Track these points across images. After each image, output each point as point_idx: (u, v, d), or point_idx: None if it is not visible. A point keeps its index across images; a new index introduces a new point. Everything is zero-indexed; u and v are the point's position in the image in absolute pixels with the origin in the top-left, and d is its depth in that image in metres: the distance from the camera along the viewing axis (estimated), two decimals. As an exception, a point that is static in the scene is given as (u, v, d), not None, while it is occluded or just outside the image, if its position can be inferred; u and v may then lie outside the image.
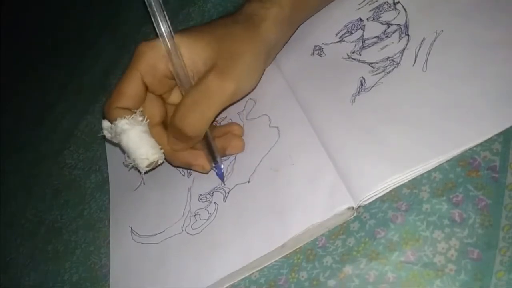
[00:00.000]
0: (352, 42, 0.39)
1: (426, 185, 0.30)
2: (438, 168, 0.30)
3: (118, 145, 0.36)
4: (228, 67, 0.34)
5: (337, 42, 0.39)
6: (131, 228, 0.40)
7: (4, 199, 0.55)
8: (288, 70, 0.40)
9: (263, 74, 0.39)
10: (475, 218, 0.27)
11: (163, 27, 0.34)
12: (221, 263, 0.34)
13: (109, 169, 0.46)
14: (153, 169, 0.37)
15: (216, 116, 0.36)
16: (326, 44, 0.40)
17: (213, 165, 0.37)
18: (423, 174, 0.30)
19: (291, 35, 0.41)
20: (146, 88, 0.35)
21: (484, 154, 0.29)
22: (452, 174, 0.29)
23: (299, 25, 0.41)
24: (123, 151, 0.36)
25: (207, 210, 0.37)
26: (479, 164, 0.29)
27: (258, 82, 0.38)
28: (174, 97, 0.38)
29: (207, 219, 0.37)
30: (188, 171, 0.40)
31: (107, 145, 0.48)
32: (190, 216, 0.38)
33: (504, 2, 0.33)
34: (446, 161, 0.30)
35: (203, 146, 0.37)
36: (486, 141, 0.29)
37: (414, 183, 0.30)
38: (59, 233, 0.46)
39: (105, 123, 0.36)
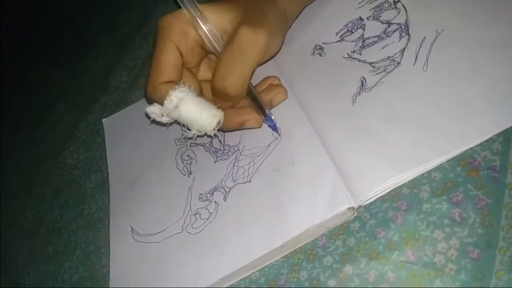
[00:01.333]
0: (353, 41, 0.39)
1: (426, 184, 0.30)
2: (438, 168, 0.30)
3: (172, 123, 0.35)
4: (257, 21, 0.34)
5: (338, 41, 0.39)
6: (131, 227, 0.40)
7: (4, 199, 0.55)
8: (288, 69, 0.40)
9: (284, 39, 0.39)
10: (475, 217, 0.27)
11: None
12: (221, 263, 0.34)
13: (109, 169, 0.46)
14: (214, 135, 0.36)
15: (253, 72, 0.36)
16: (327, 43, 0.40)
17: (264, 118, 0.37)
18: (423, 174, 0.30)
19: (300, 12, 0.41)
20: (183, 58, 0.35)
21: (484, 153, 0.29)
22: (452, 173, 0.29)
23: (307, 5, 0.42)
24: (181, 124, 0.35)
25: (208, 209, 0.37)
26: (479, 163, 0.29)
27: (282, 44, 0.39)
28: (202, 72, 0.38)
29: (208, 218, 0.37)
30: (188, 170, 0.40)
31: (107, 145, 0.48)
32: (190, 215, 0.38)
33: (505, 1, 0.33)
34: (446, 161, 0.30)
35: (250, 102, 0.37)
36: (486, 141, 0.29)
37: (414, 183, 0.30)
38: (59, 233, 0.46)
39: (151, 108, 0.35)
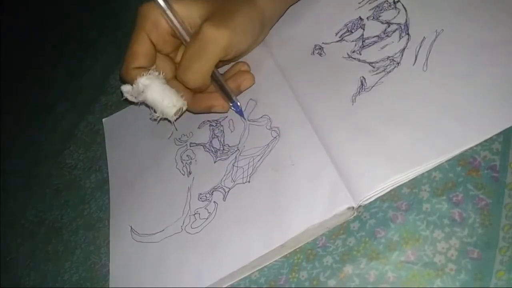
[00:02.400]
0: (352, 41, 0.39)
1: (426, 184, 0.30)
2: (438, 168, 0.30)
3: (142, 104, 0.39)
4: (223, 19, 0.36)
5: (337, 41, 0.39)
6: (131, 227, 0.40)
7: (4, 199, 0.55)
8: (288, 70, 0.40)
9: (257, 41, 0.41)
10: (475, 217, 0.27)
11: None
12: (221, 263, 0.34)
13: (109, 169, 0.46)
14: (179, 116, 0.40)
15: (217, 66, 0.38)
16: (326, 43, 0.40)
17: (230, 104, 0.39)
18: (423, 173, 0.30)
19: (285, 11, 0.42)
20: (154, 47, 0.38)
21: (484, 153, 0.29)
22: (452, 173, 0.29)
23: (291, 5, 0.42)
24: (149, 107, 0.39)
25: (207, 209, 0.37)
26: (479, 163, 0.29)
27: (251, 46, 0.41)
28: (180, 57, 0.40)
29: (207, 218, 0.37)
30: (188, 169, 0.40)
31: (107, 145, 0.48)
32: (189, 215, 0.38)
33: (505, 1, 0.33)
34: (446, 161, 0.30)
35: (217, 89, 0.39)
36: (486, 141, 0.29)
37: (414, 183, 0.30)
38: (59, 233, 0.46)
39: (125, 87, 0.38)
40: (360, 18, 0.39)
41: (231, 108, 0.40)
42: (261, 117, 0.39)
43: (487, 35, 0.33)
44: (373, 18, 0.39)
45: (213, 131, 0.41)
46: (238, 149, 0.39)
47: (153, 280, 0.36)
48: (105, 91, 0.54)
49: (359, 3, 0.40)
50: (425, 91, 0.33)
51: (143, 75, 0.37)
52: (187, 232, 0.37)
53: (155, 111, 0.38)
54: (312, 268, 0.31)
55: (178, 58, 0.40)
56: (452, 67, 0.33)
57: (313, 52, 0.40)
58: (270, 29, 0.42)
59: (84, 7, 0.68)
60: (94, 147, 0.51)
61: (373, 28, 0.38)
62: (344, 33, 0.39)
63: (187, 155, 0.41)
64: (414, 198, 0.30)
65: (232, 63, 0.42)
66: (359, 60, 0.37)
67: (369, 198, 0.31)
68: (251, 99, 0.40)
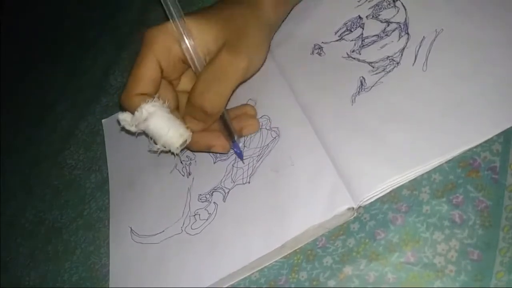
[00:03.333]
0: (352, 40, 0.38)
1: (426, 186, 0.30)
2: (438, 169, 0.30)
3: (141, 134, 0.36)
4: (238, 43, 0.35)
5: (337, 40, 0.39)
6: (130, 228, 0.40)
7: (4, 199, 0.55)
8: (288, 69, 0.40)
9: (268, 51, 0.39)
10: (475, 219, 0.27)
11: (174, 10, 0.34)
12: (221, 263, 0.34)
13: (109, 169, 0.46)
14: (181, 151, 0.37)
15: (232, 93, 0.36)
16: (326, 42, 0.40)
17: (231, 144, 0.37)
18: (423, 175, 0.30)
19: (287, 15, 0.42)
20: (162, 72, 0.36)
21: (484, 154, 0.29)
22: (452, 175, 0.29)
23: (295, 6, 0.42)
24: (149, 137, 0.35)
25: (207, 210, 0.37)
26: (479, 164, 0.29)
27: (265, 58, 0.39)
28: (183, 84, 0.38)
29: (207, 219, 0.37)
30: (188, 170, 0.40)
31: (107, 146, 0.48)
32: (189, 216, 0.38)
33: (505, 1, 0.33)
34: (446, 162, 0.30)
35: (221, 126, 0.37)
36: (486, 142, 0.29)
37: (414, 185, 0.30)
38: (59, 233, 0.46)
39: (123, 115, 0.35)
40: (360, 17, 0.39)
41: (231, 148, 0.38)
42: (260, 117, 0.39)
43: (487, 35, 0.33)
44: (373, 17, 0.39)
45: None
46: (237, 149, 0.39)
47: (153, 280, 0.36)
48: (105, 91, 0.54)
49: (358, 1, 0.40)
50: (425, 91, 0.33)
51: (147, 101, 0.34)
52: (187, 233, 0.37)
53: (155, 142, 0.35)
54: (312, 268, 0.31)
55: (181, 86, 0.38)
56: (452, 67, 0.33)
57: (313, 51, 0.40)
58: (274, 35, 0.41)
59: (84, 7, 0.68)
60: (94, 147, 0.51)
61: (372, 27, 0.38)
62: (344, 32, 0.39)
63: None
64: (414, 199, 0.29)
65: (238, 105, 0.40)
66: (358, 60, 0.37)
67: (369, 199, 0.31)
68: (250, 99, 0.40)
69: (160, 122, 0.34)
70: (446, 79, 0.32)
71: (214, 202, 0.37)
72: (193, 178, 0.40)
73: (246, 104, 0.40)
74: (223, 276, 0.33)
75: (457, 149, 0.29)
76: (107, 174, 0.46)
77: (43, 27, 0.72)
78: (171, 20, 0.34)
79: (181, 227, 0.37)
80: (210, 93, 0.34)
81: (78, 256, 0.43)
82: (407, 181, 0.30)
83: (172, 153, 0.36)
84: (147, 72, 0.35)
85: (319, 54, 0.39)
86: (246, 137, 0.39)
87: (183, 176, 0.40)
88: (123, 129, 0.36)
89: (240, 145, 0.38)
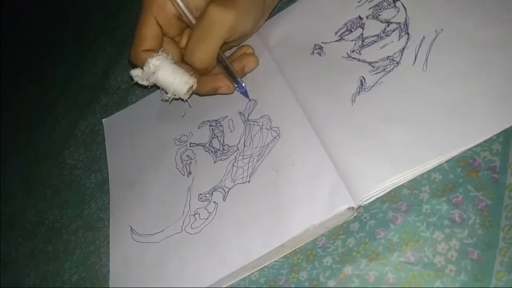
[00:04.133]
0: (352, 40, 0.38)
1: (426, 185, 0.30)
2: (438, 169, 0.30)
3: (152, 85, 0.40)
4: (227, 0, 0.36)
5: (337, 40, 0.39)
6: (131, 227, 0.40)
7: (4, 199, 0.55)
8: (288, 69, 0.40)
9: (258, 25, 0.42)
10: (475, 218, 0.27)
11: None
12: (221, 263, 0.34)
13: (109, 169, 0.46)
14: (190, 96, 0.40)
15: (221, 47, 0.38)
16: (326, 43, 0.40)
17: (235, 85, 0.40)
18: (423, 175, 0.30)
19: None
20: (161, 29, 0.39)
21: (484, 154, 0.29)
22: (452, 174, 0.29)
23: None
24: (160, 88, 0.40)
25: (207, 210, 0.37)
26: (479, 164, 0.29)
27: (253, 29, 0.42)
28: (185, 41, 0.40)
29: (207, 219, 0.37)
30: (188, 170, 0.40)
31: (107, 145, 0.48)
32: (189, 216, 0.38)
33: (504, 1, 0.33)
34: (446, 162, 0.30)
35: (223, 70, 0.40)
36: (486, 141, 0.29)
37: (414, 184, 0.30)
38: (59, 233, 0.46)
39: (134, 71, 0.40)
40: (360, 17, 0.39)
41: (236, 89, 0.40)
42: (261, 117, 0.39)
43: (487, 35, 0.33)
44: (373, 17, 0.39)
45: (213, 131, 0.41)
46: (238, 149, 0.39)
47: (153, 280, 0.36)
48: (105, 91, 0.54)
49: (359, 1, 0.40)
50: (425, 91, 0.33)
51: (153, 56, 0.38)
52: (187, 232, 0.37)
53: (166, 92, 0.39)
54: (312, 268, 0.31)
55: (183, 43, 0.41)
56: (452, 66, 0.33)
57: (313, 52, 0.40)
58: (269, 14, 0.43)
59: (83, 7, 0.68)
60: (94, 147, 0.51)
61: (372, 27, 0.38)
62: (344, 32, 0.39)
63: (187, 155, 0.41)
64: (414, 199, 0.29)
65: (236, 47, 0.43)
66: (358, 60, 0.37)
67: (369, 199, 0.31)
68: (250, 98, 0.40)
69: (166, 73, 0.38)
70: (446, 79, 0.32)
71: (214, 202, 0.37)
72: (193, 178, 0.40)
73: (242, 45, 0.42)
74: (223, 276, 0.33)
75: (457, 148, 0.29)
76: (107, 174, 0.46)
77: (43, 27, 0.72)
78: None
79: (181, 226, 0.37)
80: (197, 51, 0.37)
81: (78, 256, 0.43)
82: (407, 180, 0.30)
83: (182, 100, 0.40)
84: (148, 30, 0.38)
85: (319, 54, 0.39)
86: (246, 136, 0.39)
87: (183, 175, 0.40)
88: (136, 83, 0.40)
89: (239, 145, 0.39)
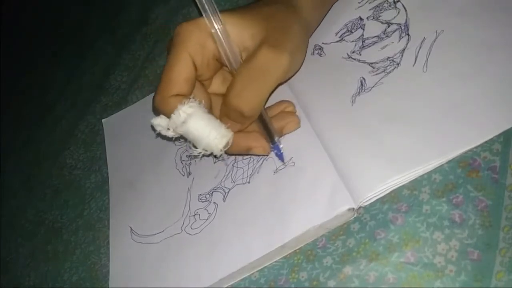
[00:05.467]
0: (352, 41, 0.38)
1: (426, 186, 0.30)
2: (438, 170, 0.30)
3: (178, 138, 0.34)
4: (280, 40, 0.32)
5: (337, 41, 0.39)
6: (130, 228, 0.40)
7: (4, 199, 0.55)
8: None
9: (306, 53, 0.37)
10: (475, 219, 0.27)
11: (207, 3, 0.32)
12: (221, 263, 0.34)
13: (109, 169, 0.46)
14: (220, 156, 0.34)
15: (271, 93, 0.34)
16: (326, 43, 0.40)
17: (272, 146, 0.35)
18: (423, 175, 0.30)
19: (324, 17, 0.40)
20: (196, 71, 0.33)
21: (484, 154, 0.29)
22: (452, 175, 0.29)
23: (331, 7, 0.40)
24: (187, 140, 0.33)
25: (207, 210, 0.37)
26: (479, 164, 0.29)
27: (304, 60, 0.37)
28: (214, 85, 0.36)
29: (207, 219, 0.37)
30: (188, 170, 0.40)
31: (107, 145, 0.48)
32: (189, 216, 0.38)
33: (505, 2, 0.33)
34: (446, 162, 0.30)
35: (260, 126, 0.35)
36: (486, 142, 0.29)
37: (414, 185, 0.30)
38: (59, 233, 0.46)
39: (157, 120, 0.33)
40: (360, 18, 0.39)
41: (272, 150, 0.35)
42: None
43: (487, 36, 0.33)
44: (373, 18, 0.39)
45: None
46: (238, 149, 0.39)
47: (153, 280, 0.36)
48: (105, 91, 0.54)
49: (359, 2, 0.40)
50: (425, 92, 0.33)
51: (184, 103, 0.32)
52: (187, 233, 0.37)
53: (195, 146, 0.33)
54: (312, 268, 0.31)
55: (212, 87, 0.36)
56: (452, 67, 0.33)
57: (313, 52, 0.40)
58: (311, 36, 0.39)
59: (84, 7, 0.68)
60: (94, 147, 0.51)
61: (373, 28, 0.38)
62: (344, 33, 0.39)
63: (187, 156, 0.41)
64: (414, 200, 0.30)
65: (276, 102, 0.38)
66: (359, 61, 0.37)
67: (369, 199, 0.31)
68: None
69: (200, 123, 0.32)
70: (446, 80, 0.32)
71: (214, 202, 0.37)
72: (193, 178, 0.40)
73: (283, 101, 0.37)
74: (223, 276, 0.33)
75: (457, 149, 0.29)
76: (107, 174, 0.46)
77: (43, 27, 0.72)
78: (203, 14, 0.32)
79: (181, 227, 0.37)
80: (247, 94, 0.32)
81: (78, 256, 0.43)
82: (407, 181, 0.30)
83: (214, 156, 0.34)
84: (181, 71, 0.32)
85: (320, 54, 0.39)
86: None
87: (183, 176, 0.40)
88: (159, 134, 0.34)
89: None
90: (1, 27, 0.77)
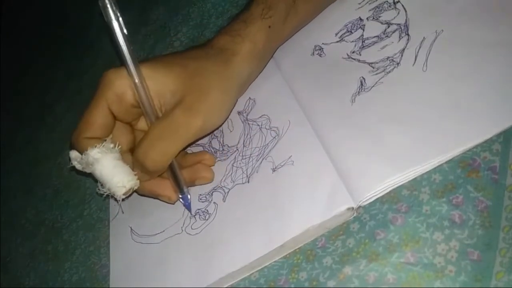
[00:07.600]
0: (352, 41, 0.38)
1: (426, 186, 0.30)
2: (438, 170, 0.30)
3: (90, 175, 0.35)
4: (196, 103, 0.33)
5: (337, 42, 0.39)
6: (131, 228, 0.40)
7: (4, 199, 0.55)
8: (288, 70, 0.40)
9: (233, 108, 0.38)
10: (475, 219, 0.27)
11: (128, 58, 0.33)
12: (221, 263, 0.34)
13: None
14: (129, 196, 0.36)
15: (182, 150, 0.35)
16: (326, 44, 0.40)
17: (180, 196, 0.37)
18: (423, 175, 0.30)
19: (266, 64, 0.40)
20: (114, 117, 0.35)
21: (484, 154, 0.29)
22: (452, 175, 0.29)
23: (274, 52, 0.40)
24: (96, 180, 0.35)
25: (207, 210, 0.37)
26: (479, 164, 0.29)
27: (228, 117, 0.38)
28: (143, 123, 0.37)
29: (207, 219, 0.37)
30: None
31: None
32: (189, 216, 0.38)
33: (505, 2, 0.33)
34: (446, 162, 0.30)
35: (169, 176, 0.36)
36: (486, 142, 0.29)
37: (414, 185, 0.30)
38: (59, 233, 0.46)
39: (74, 153, 0.35)
40: (360, 19, 0.39)
41: (179, 200, 0.37)
42: (260, 117, 0.39)
43: (487, 35, 0.33)
44: (373, 18, 0.39)
45: (212, 131, 0.41)
46: (237, 149, 0.39)
47: (153, 280, 0.36)
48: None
49: (359, 3, 0.40)
50: (424, 91, 0.33)
51: (95, 146, 0.33)
52: (187, 233, 0.37)
53: (102, 185, 0.34)
54: (312, 268, 0.31)
55: (140, 125, 0.37)
56: (452, 67, 0.33)
57: (313, 52, 0.40)
58: (249, 85, 0.40)
59: (83, 7, 0.68)
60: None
61: (373, 29, 0.38)
62: (344, 33, 0.39)
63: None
64: (414, 200, 0.29)
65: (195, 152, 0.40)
66: (358, 61, 0.37)
67: (368, 199, 0.31)
68: (250, 97, 0.40)
69: (105, 169, 0.33)
70: (446, 80, 0.32)
71: (214, 202, 0.37)
72: (193, 178, 0.40)
73: (204, 152, 0.39)
74: (223, 276, 0.33)
75: (456, 149, 0.29)
76: (107, 174, 0.46)
77: (43, 27, 0.72)
78: (126, 68, 0.33)
79: (181, 227, 0.37)
80: (153, 153, 0.33)
81: (78, 256, 0.43)
82: (407, 181, 0.30)
83: (116, 200, 0.35)
84: (97, 117, 0.34)
85: (320, 55, 0.39)
86: (245, 136, 0.39)
87: (183, 176, 0.40)
88: (73, 168, 0.35)
89: (239, 145, 0.38)
90: (1, 27, 0.77)
